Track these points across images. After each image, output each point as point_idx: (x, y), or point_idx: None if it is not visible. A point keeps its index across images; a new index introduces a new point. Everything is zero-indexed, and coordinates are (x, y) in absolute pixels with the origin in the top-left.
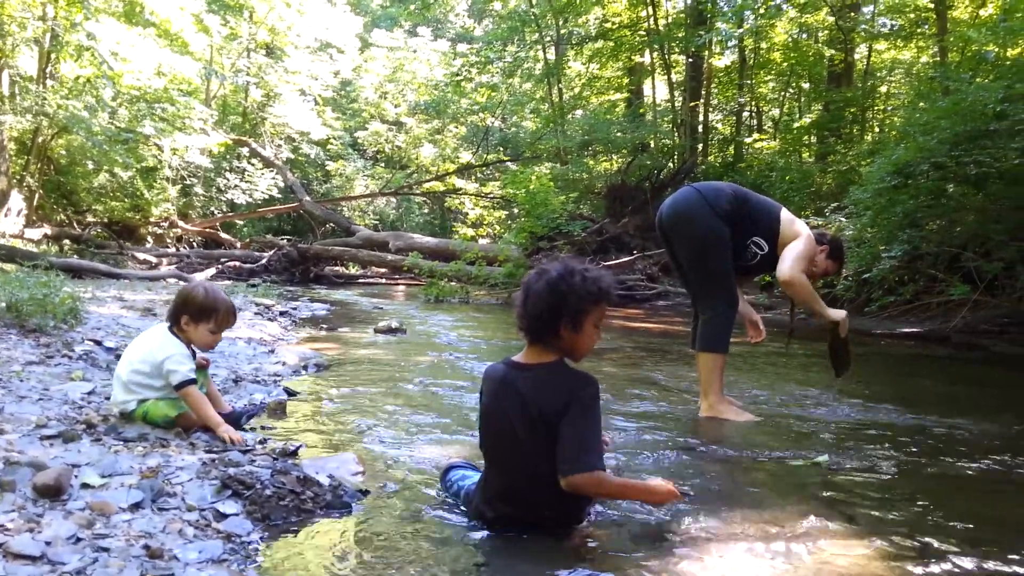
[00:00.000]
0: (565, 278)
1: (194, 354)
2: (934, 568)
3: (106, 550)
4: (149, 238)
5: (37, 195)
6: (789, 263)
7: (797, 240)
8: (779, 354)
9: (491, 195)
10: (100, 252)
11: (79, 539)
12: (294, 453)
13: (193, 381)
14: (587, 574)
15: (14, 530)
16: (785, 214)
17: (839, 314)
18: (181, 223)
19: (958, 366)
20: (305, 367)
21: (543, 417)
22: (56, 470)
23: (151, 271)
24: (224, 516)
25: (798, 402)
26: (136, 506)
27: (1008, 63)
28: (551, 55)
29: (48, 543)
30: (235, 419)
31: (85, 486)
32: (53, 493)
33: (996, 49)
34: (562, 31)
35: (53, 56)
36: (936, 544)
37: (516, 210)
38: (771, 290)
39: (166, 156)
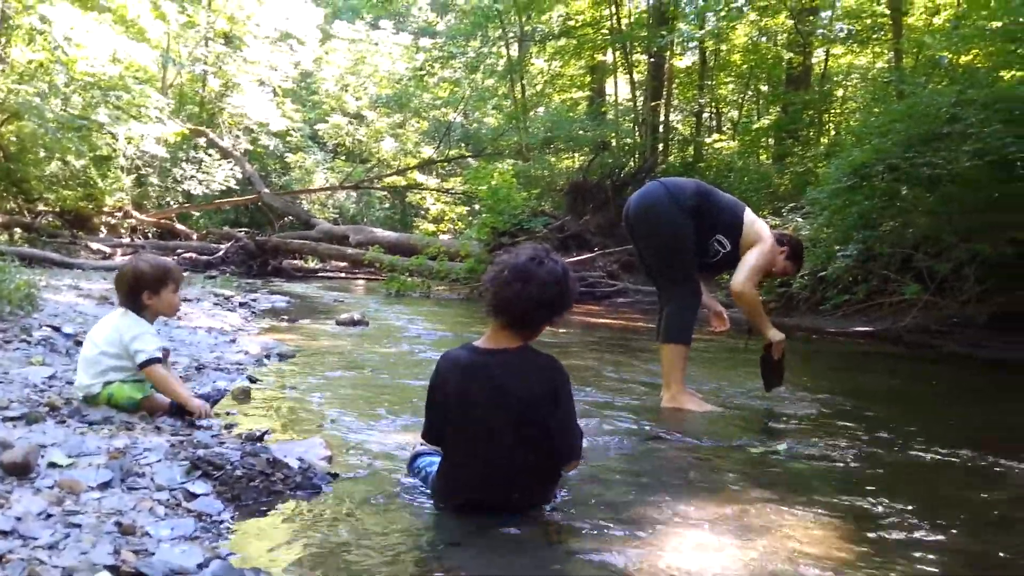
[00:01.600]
0: (562, 279)
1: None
2: (889, 547)
3: (78, 526)
4: (103, 228)
5: None
6: (744, 275)
7: (757, 249)
8: (738, 350)
9: (453, 191)
10: (52, 241)
11: (49, 515)
12: (261, 438)
13: (159, 360)
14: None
15: None
16: (748, 214)
17: (777, 335)
18: (136, 213)
19: (909, 364)
20: (268, 356)
21: (524, 404)
22: (23, 448)
23: (105, 261)
24: (194, 496)
25: (756, 395)
26: (105, 485)
27: (961, 69)
28: (514, 51)
29: (18, 519)
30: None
31: (52, 465)
32: (20, 471)
33: (949, 55)
34: (525, 28)
35: (4, 40)
36: (890, 525)
37: (478, 206)
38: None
39: (120, 145)
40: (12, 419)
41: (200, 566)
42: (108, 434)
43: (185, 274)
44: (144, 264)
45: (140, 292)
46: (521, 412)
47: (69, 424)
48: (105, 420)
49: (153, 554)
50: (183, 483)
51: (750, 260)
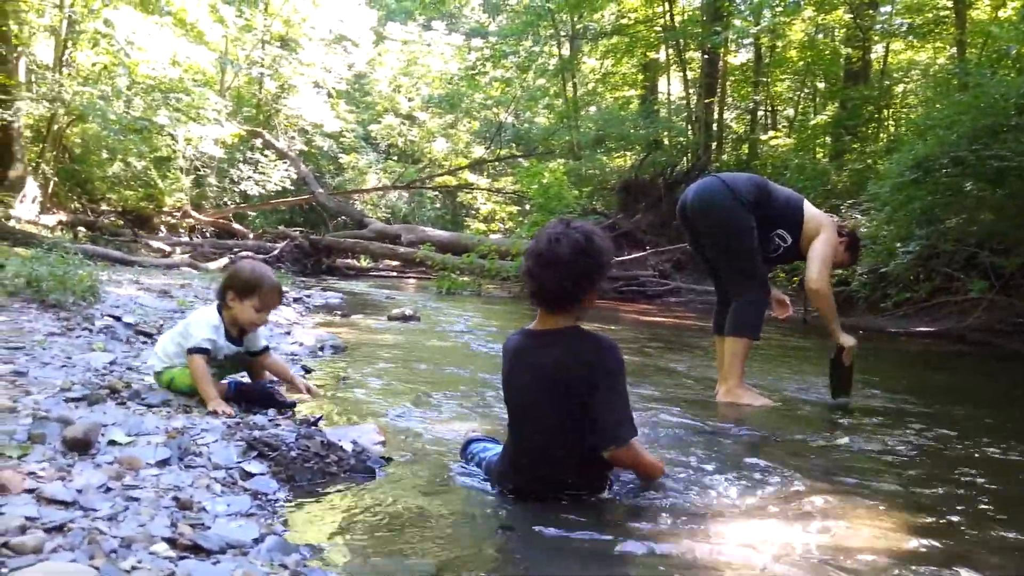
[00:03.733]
0: (590, 240)
1: (240, 335)
2: (952, 543)
3: (136, 500)
4: (163, 227)
5: (52, 182)
6: (818, 271)
7: (822, 241)
8: (794, 347)
9: (503, 190)
10: (114, 240)
11: (109, 489)
12: (315, 423)
13: (203, 350)
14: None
15: (46, 478)
16: (808, 206)
17: (849, 340)
18: (194, 213)
19: (973, 363)
20: (322, 348)
21: (563, 383)
22: (85, 425)
23: (164, 259)
24: (250, 475)
25: (814, 390)
26: (163, 462)
27: None
28: (565, 50)
29: (80, 491)
30: (266, 394)
31: (112, 443)
32: (82, 447)
33: (1018, 46)
34: (577, 26)
35: (69, 44)
36: (953, 521)
37: (528, 205)
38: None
39: (180, 146)
40: (74, 400)
41: (256, 541)
42: (166, 415)
43: None
44: (245, 268)
45: (227, 290)
46: (563, 393)
47: (129, 406)
48: (164, 403)
49: (209, 528)
50: (239, 463)
51: (820, 252)
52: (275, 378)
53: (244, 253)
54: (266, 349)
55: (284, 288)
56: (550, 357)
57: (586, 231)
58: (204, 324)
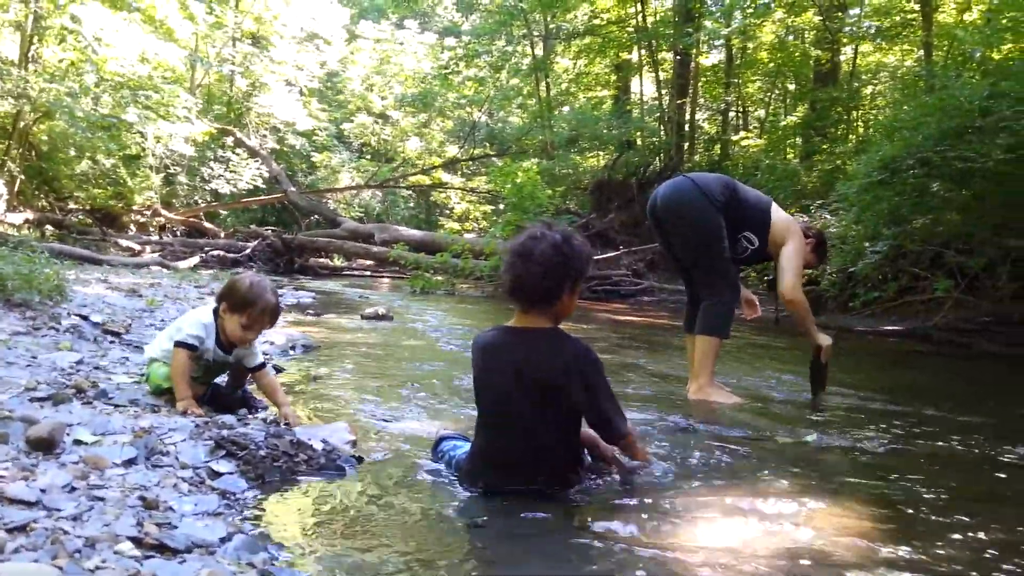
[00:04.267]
0: (568, 242)
1: (230, 346)
2: (918, 537)
3: (102, 499)
4: (132, 226)
5: (18, 180)
6: (792, 281)
7: (791, 250)
8: (765, 346)
9: (477, 189)
10: (82, 238)
11: (74, 488)
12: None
13: (188, 346)
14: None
15: (9, 477)
16: (775, 209)
17: (825, 339)
18: (164, 211)
19: (939, 361)
20: (293, 347)
21: (542, 382)
22: (49, 424)
23: (134, 258)
24: (218, 474)
25: (784, 388)
26: (130, 462)
27: (993, 64)
28: (539, 50)
29: (43, 491)
30: (229, 399)
31: (78, 442)
32: (46, 446)
33: (983, 49)
34: (550, 26)
35: (36, 39)
36: (920, 515)
37: (502, 204)
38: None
39: (149, 144)
40: (39, 399)
41: (223, 540)
42: (134, 415)
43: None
44: (244, 283)
45: (222, 300)
46: (542, 391)
47: (95, 405)
48: (131, 403)
49: (176, 527)
50: (207, 462)
51: (792, 260)
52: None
53: (215, 252)
54: (262, 366)
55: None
56: (529, 354)
57: (565, 233)
58: (195, 321)
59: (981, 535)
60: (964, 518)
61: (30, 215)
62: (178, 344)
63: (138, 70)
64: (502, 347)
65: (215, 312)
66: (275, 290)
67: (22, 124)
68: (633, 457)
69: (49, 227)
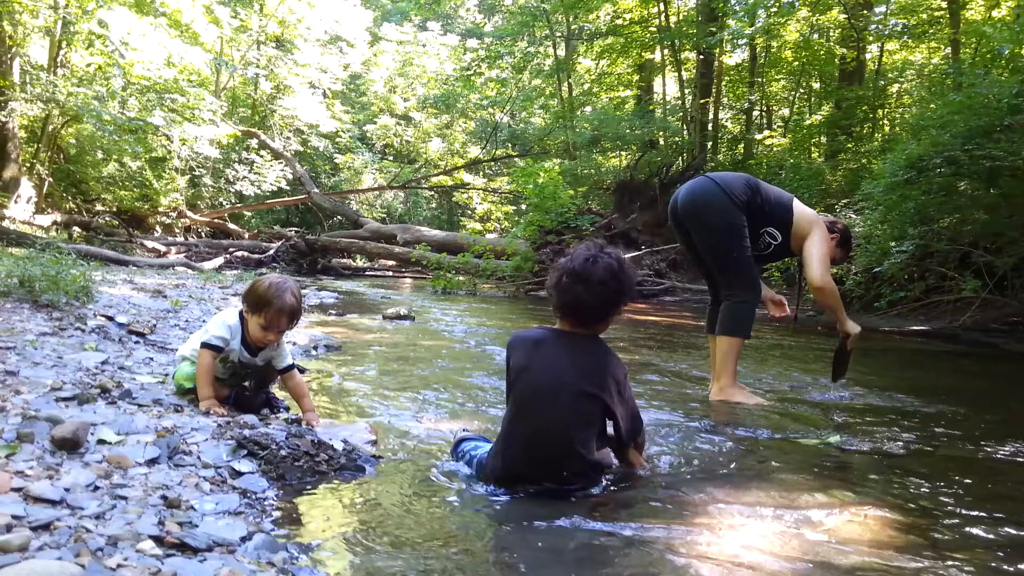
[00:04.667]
0: (622, 267)
1: (256, 347)
2: (942, 539)
3: (124, 498)
4: (158, 227)
5: (47, 183)
6: (820, 269)
7: (816, 239)
8: (787, 346)
9: (499, 190)
10: (109, 240)
11: (97, 487)
12: (299, 421)
13: (214, 347)
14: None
15: (33, 476)
16: (798, 204)
17: (855, 328)
18: (190, 213)
19: (966, 362)
20: (315, 348)
21: (586, 380)
22: (73, 424)
23: (159, 259)
24: (240, 474)
25: (807, 389)
26: (153, 461)
27: (1023, 61)
28: (561, 51)
29: (67, 489)
30: (251, 402)
31: (102, 442)
32: (71, 446)
33: (1011, 46)
34: (572, 27)
35: (64, 44)
36: (944, 517)
37: (524, 204)
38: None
39: (175, 146)
40: (64, 399)
41: (243, 539)
42: (157, 415)
43: (235, 272)
44: (263, 283)
45: (244, 300)
46: (582, 387)
47: (119, 405)
48: (155, 402)
49: (197, 526)
50: (229, 461)
51: (817, 251)
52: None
53: (239, 253)
54: (291, 367)
55: (302, 314)
56: (575, 358)
57: (619, 257)
58: (221, 323)
59: (1005, 540)
60: (989, 522)
61: (58, 217)
62: (204, 345)
63: (164, 74)
64: (550, 347)
65: (240, 314)
66: (296, 291)
67: (51, 128)
68: (629, 461)
69: (77, 229)
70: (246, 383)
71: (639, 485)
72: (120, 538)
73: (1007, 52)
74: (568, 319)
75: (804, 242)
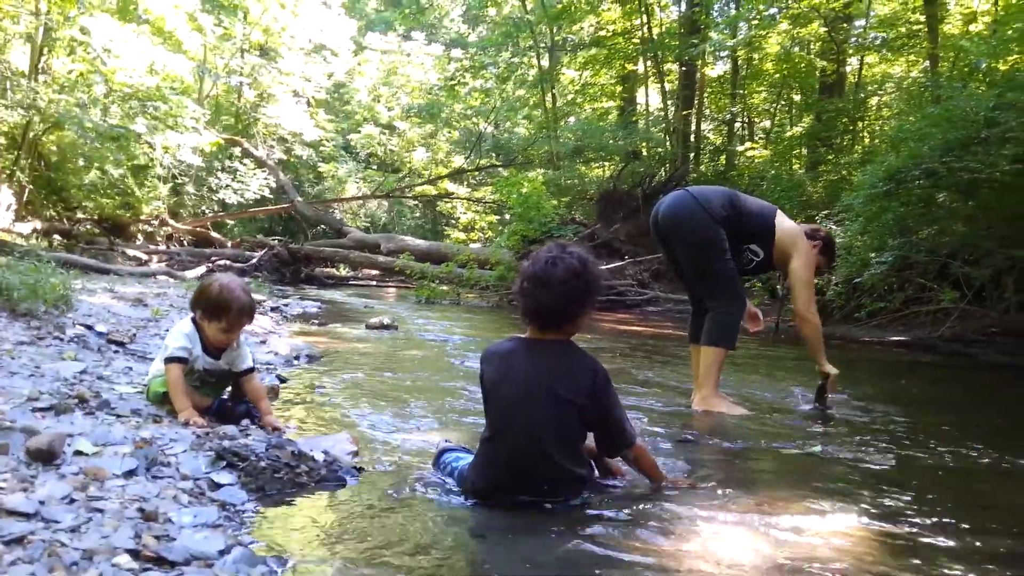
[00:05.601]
0: (585, 266)
1: (217, 351)
2: (923, 548)
3: (100, 511)
4: (139, 236)
5: (27, 190)
6: (805, 297)
7: (801, 260)
8: (768, 356)
9: (483, 200)
10: (90, 248)
11: (73, 500)
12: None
13: (178, 359)
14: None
15: (8, 488)
16: (780, 218)
17: (832, 370)
18: (172, 221)
19: (945, 372)
20: (297, 357)
21: (559, 394)
22: (49, 435)
23: (141, 268)
24: (219, 486)
25: (789, 399)
26: (130, 473)
27: (999, 75)
28: (545, 61)
29: (42, 502)
30: (234, 413)
31: (78, 453)
32: (46, 458)
33: (988, 60)
34: (556, 38)
35: (46, 51)
36: (924, 527)
37: (508, 214)
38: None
39: (158, 154)
40: (41, 410)
41: (221, 552)
42: (135, 425)
43: None
44: (214, 288)
45: (196, 308)
46: (558, 402)
47: (97, 416)
48: (133, 412)
49: (175, 540)
50: (208, 473)
51: (802, 276)
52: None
53: (222, 262)
54: (250, 371)
55: (261, 297)
56: (547, 367)
57: (581, 256)
58: (178, 334)
59: (988, 547)
60: (972, 531)
61: (38, 225)
62: (168, 360)
63: (147, 81)
64: (520, 357)
65: (193, 320)
66: (245, 287)
67: (31, 135)
68: (643, 468)
69: (57, 237)
70: (224, 395)
71: (619, 496)
72: (95, 552)
73: (984, 65)
74: (533, 324)
75: (789, 261)
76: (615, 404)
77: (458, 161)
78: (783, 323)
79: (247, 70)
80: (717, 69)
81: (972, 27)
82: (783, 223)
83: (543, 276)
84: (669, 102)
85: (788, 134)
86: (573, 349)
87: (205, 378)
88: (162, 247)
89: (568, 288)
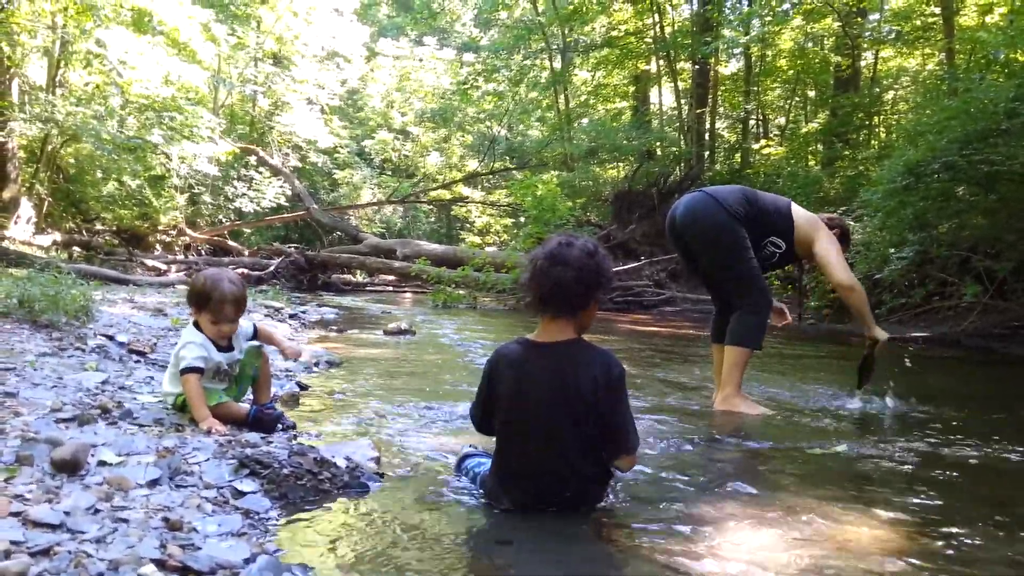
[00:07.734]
0: (595, 252)
1: (227, 346)
2: (950, 548)
3: (125, 521)
4: (157, 246)
5: (47, 203)
6: (844, 271)
7: (825, 241)
8: (791, 355)
9: (498, 203)
10: (109, 259)
11: (98, 510)
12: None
13: (194, 369)
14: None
15: (33, 500)
16: (796, 209)
17: (882, 334)
18: (189, 231)
19: (969, 367)
20: (317, 364)
21: (575, 396)
22: (73, 445)
23: (160, 277)
24: (242, 494)
25: (812, 398)
26: (154, 482)
27: (1018, 65)
28: (557, 63)
29: (67, 513)
30: (272, 418)
31: (102, 463)
32: (71, 468)
33: (1006, 51)
34: (568, 39)
35: (62, 64)
36: (952, 526)
37: (523, 217)
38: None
39: (174, 164)
40: (64, 420)
41: (247, 561)
42: (158, 435)
43: None
44: (199, 279)
45: (189, 306)
46: (579, 406)
47: (120, 425)
48: (156, 422)
49: (200, 549)
50: (231, 481)
51: (832, 254)
52: (280, 393)
53: (239, 270)
54: (255, 328)
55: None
56: (561, 368)
57: (592, 242)
58: (187, 344)
59: (1010, 551)
60: (1002, 529)
61: (58, 237)
62: (183, 371)
63: (162, 92)
64: (535, 361)
65: (195, 323)
66: (234, 277)
67: (50, 148)
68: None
69: (76, 248)
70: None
71: (643, 499)
72: (121, 562)
73: (1002, 56)
74: (548, 309)
75: (813, 246)
76: (623, 406)
77: (472, 165)
78: (804, 321)
79: (261, 79)
80: (731, 66)
81: (988, 18)
82: (799, 212)
83: (559, 255)
84: (683, 101)
85: (803, 130)
86: (587, 347)
87: (227, 372)
88: (180, 257)
89: (584, 265)
